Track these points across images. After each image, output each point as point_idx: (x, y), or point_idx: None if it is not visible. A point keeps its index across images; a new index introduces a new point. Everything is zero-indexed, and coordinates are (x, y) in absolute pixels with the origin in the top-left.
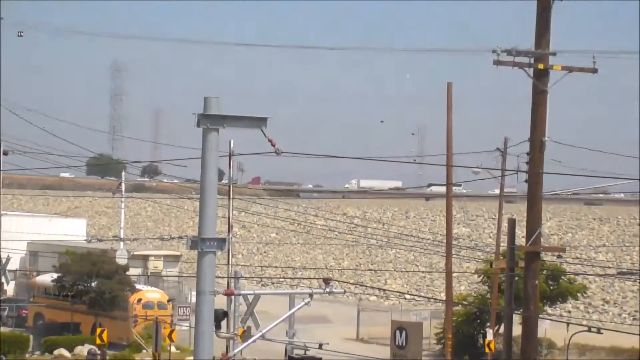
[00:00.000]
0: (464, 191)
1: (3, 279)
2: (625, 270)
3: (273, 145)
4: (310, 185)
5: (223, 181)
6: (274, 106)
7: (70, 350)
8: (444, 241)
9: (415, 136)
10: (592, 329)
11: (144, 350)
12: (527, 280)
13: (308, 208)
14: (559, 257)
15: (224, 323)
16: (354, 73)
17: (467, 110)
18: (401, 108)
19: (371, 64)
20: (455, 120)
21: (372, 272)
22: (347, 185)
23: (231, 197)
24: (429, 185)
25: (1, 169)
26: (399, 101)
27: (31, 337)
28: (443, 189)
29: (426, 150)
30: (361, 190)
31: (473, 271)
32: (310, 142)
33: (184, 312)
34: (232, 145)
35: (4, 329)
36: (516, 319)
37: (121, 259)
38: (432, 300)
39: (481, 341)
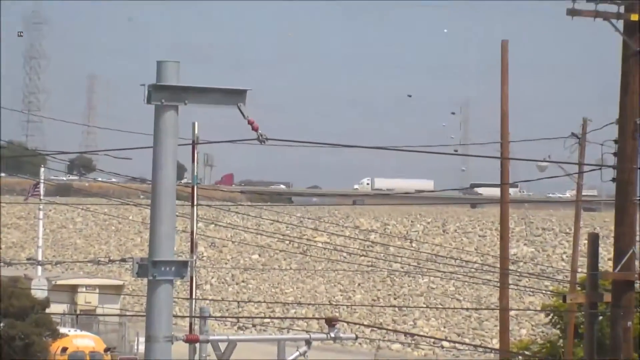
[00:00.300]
0: (525, 194)
1: None
2: None
3: (255, 129)
4: (289, 186)
5: (184, 180)
6: (257, 76)
7: None
8: (497, 265)
9: (455, 117)
10: None
11: None
12: (615, 320)
13: (304, 218)
14: None
15: None
16: (368, 31)
17: (525, 81)
18: (436, 79)
19: (393, 18)
20: (510, 95)
21: (396, 309)
22: (356, 187)
23: (195, 202)
24: (473, 186)
25: None
26: (433, 70)
27: None
28: (495, 191)
29: (471, 136)
30: (378, 192)
31: (538, 308)
32: (306, 126)
33: None
34: (196, 130)
35: None
36: None
37: (39, 291)
38: (480, 349)
39: None
